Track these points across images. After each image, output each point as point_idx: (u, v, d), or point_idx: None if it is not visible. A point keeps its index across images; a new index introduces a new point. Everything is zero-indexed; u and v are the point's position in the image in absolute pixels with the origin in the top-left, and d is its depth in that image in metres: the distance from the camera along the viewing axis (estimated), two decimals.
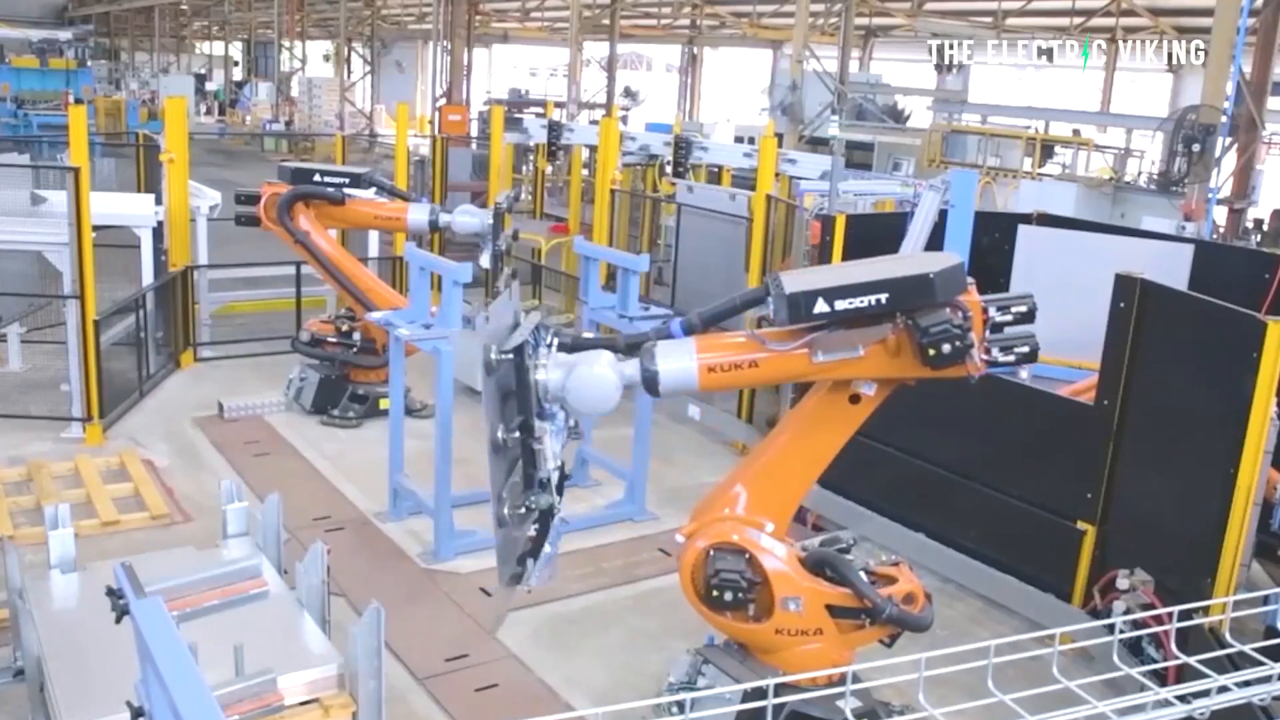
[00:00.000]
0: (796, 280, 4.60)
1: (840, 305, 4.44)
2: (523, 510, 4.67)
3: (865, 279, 4.48)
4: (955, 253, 7.67)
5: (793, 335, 4.64)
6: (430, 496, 7.63)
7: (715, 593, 4.89)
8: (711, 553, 4.95)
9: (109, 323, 9.91)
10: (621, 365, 4.73)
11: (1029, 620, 6.76)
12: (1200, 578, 5.77)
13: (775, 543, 5.00)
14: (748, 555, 4.92)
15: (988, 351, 4.62)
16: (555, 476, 4.75)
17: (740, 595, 4.88)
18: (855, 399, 4.84)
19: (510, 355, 4.53)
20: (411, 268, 8.34)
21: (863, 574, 4.97)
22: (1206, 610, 5.28)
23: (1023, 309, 4.67)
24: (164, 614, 2.96)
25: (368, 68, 45.11)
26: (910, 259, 5.21)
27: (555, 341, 4.80)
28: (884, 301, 4.44)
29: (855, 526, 7.80)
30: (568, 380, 4.66)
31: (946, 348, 4.45)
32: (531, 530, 4.72)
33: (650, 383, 4.69)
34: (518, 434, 4.63)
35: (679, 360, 4.69)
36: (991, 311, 4.62)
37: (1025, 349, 4.68)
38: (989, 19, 27.18)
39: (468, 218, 9.96)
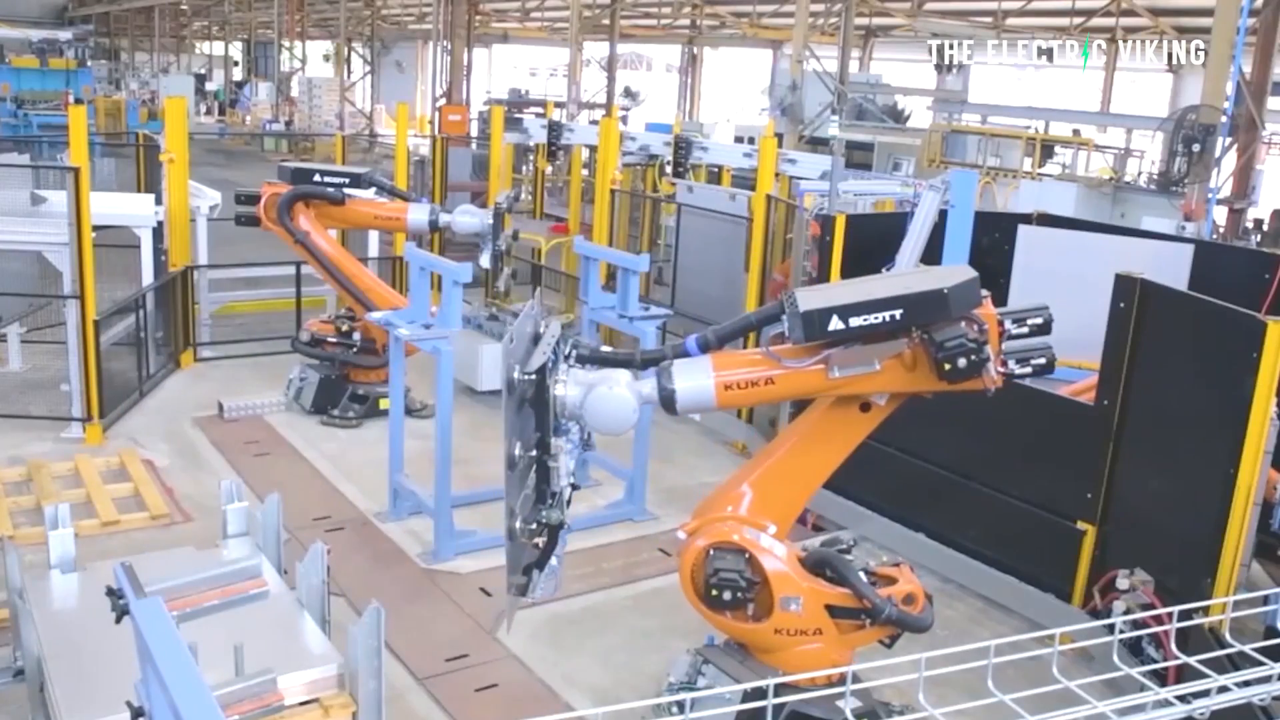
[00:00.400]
0: (811, 297, 4.64)
1: (855, 322, 4.47)
2: (534, 526, 4.70)
3: (879, 295, 4.50)
4: (955, 253, 7.72)
5: (808, 351, 4.68)
6: (430, 496, 7.63)
7: (714, 592, 4.91)
8: (711, 552, 4.96)
9: (109, 323, 9.91)
10: (639, 385, 4.78)
11: (1029, 620, 6.77)
12: (1200, 578, 5.77)
13: (775, 543, 5.00)
14: (747, 555, 4.93)
15: (1004, 364, 4.65)
16: (567, 492, 4.79)
17: (739, 595, 4.89)
18: (866, 407, 4.87)
19: (532, 376, 4.56)
20: (411, 268, 8.34)
21: (862, 575, 4.98)
22: (1206, 610, 5.28)
23: (1038, 321, 4.69)
24: (164, 614, 2.96)
25: (368, 68, 45.12)
26: (925, 273, 5.22)
27: (574, 354, 4.84)
28: (899, 317, 4.46)
29: (855, 526, 7.81)
30: (586, 399, 4.71)
31: (962, 362, 4.47)
32: (539, 541, 4.76)
33: (668, 401, 4.76)
34: (534, 451, 4.66)
35: (696, 379, 4.75)
36: (1007, 324, 4.65)
37: (1042, 360, 4.71)
38: (989, 19, 27.19)
39: (468, 218, 9.96)
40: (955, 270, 4.99)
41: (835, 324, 4.47)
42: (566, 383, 4.73)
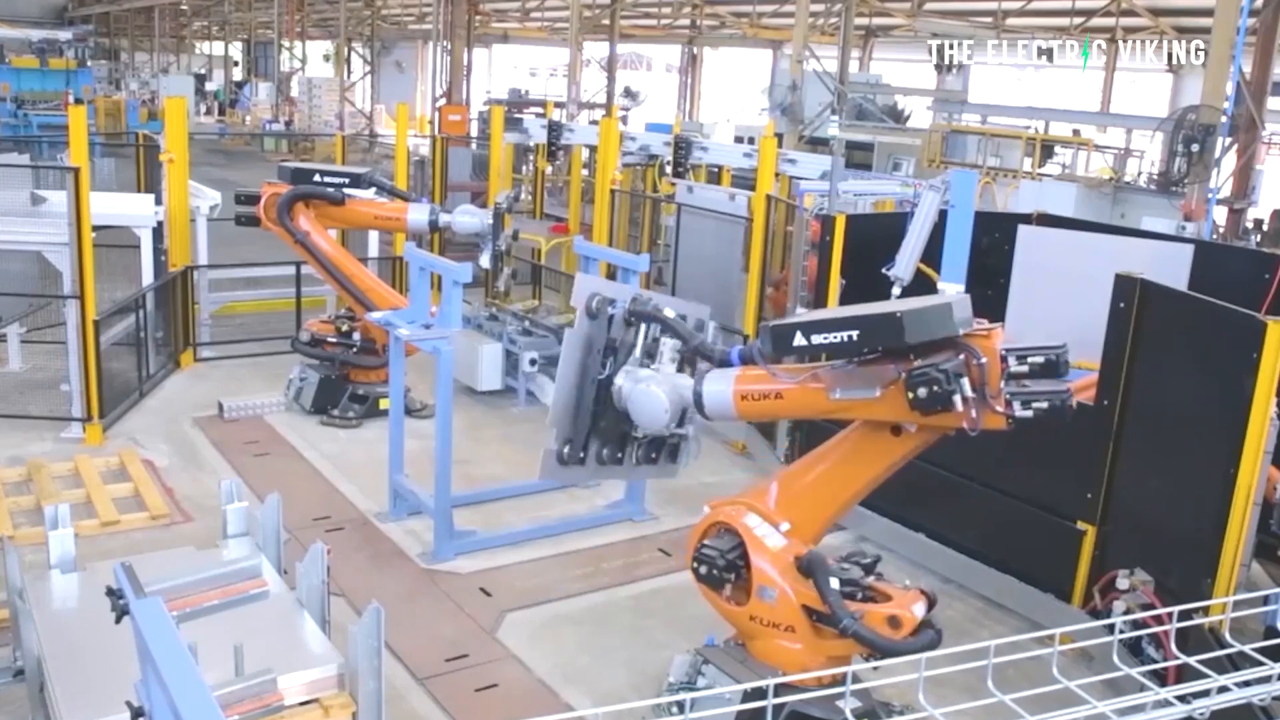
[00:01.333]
0: (806, 314, 4.89)
1: (816, 340, 4.58)
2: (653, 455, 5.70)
3: (842, 315, 4.61)
4: (955, 253, 7.70)
5: (799, 369, 4.84)
6: (430, 496, 7.63)
7: (694, 564, 5.19)
8: (714, 529, 5.18)
9: (109, 323, 9.91)
10: (683, 386, 5.20)
11: (1029, 620, 6.77)
12: (1200, 578, 5.77)
13: (773, 534, 5.09)
14: (738, 540, 5.07)
15: (1008, 404, 4.36)
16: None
17: (714, 573, 5.08)
18: (898, 430, 4.84)
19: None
20: (411, 268, 8.34)
21: (836, 582, 4.89)
22: (1206, 610, 5.28)
23: (1040, 360, 4.36)
24: (164, 614, 2.96)
25: (368, 68, 45.09)
26: (919, 300, 5.17)
27: (631, 314, 5.46)
28: (855, 338, 4.49)
29: (855, 527, 7.82)
30: (631, 391, 5.35)
31: (923, 391, 4.30)
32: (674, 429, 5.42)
33: (698, 403, 5.14)
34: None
35: (720, 386, 5.07)
36: (1010, 360, 4.36)
37: (1045, 405, 4.35)
38: (989, 19, 27.15)
39: (468, 218, 9.97)
40: (938, 297, 5.11)
41: (799, 340, 4.60)
42: (624, 375, 5.41)
